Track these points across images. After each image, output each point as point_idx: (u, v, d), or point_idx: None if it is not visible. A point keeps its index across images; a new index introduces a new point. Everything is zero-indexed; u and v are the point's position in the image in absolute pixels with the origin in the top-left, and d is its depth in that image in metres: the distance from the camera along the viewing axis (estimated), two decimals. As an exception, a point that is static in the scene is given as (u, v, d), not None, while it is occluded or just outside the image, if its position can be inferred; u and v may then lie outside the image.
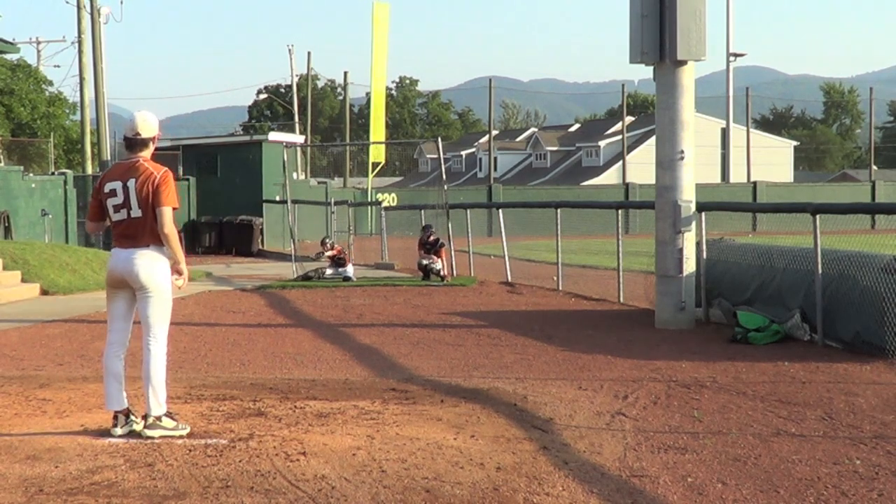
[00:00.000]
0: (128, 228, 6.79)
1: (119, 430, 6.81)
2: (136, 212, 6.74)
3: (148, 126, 6.91)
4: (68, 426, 7.14)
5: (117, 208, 6.79)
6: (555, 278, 17.30)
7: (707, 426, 7.10)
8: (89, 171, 35.13)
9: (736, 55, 55.13)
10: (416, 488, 5.61)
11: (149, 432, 6.73)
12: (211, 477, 5.83)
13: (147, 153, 6.93)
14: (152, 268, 6.78)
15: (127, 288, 6.85)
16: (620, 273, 15.08)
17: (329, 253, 19.74)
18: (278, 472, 5.90)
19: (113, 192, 6.80)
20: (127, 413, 6.90)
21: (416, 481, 5.73)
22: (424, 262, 19.03)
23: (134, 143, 6.90)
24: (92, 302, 15.94)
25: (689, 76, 12.28)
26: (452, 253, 20.39)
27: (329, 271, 19.62)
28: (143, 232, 6.75)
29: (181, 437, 6.73)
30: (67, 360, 10.39)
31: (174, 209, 6.80)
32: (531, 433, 6.89)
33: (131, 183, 6.75)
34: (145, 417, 6.80)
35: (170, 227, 6.75)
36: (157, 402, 6.77)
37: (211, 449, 6.44)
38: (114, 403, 6.88)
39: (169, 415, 6.85)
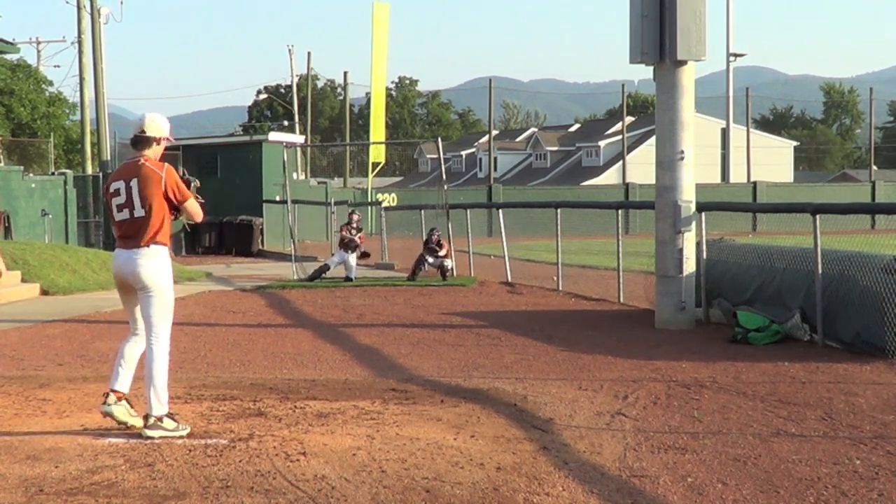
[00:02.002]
0: (129, 228, 6.81)
1: (106, 408, 6.81)
2: (140, 211, 6.75)
3: (155, 126, 6.91)
4: (68, 426, 7.14)
5: (120, 208, 6.80)
6: (555, 278, 17.30)
7: (707, 426, 7.10)
8: (89, 171, 35.10)
9: (736, 55, 55.12)
10: (416, 488, 5.61)
11: (149, 432, 6.72)
12: (211, 477, 5.83)
13: (151, 153, 6.91)
14: (153, 267, 6.79)
15: (133, 287, 6.88)
16: (620, 273, 15.08)
17: (355, 224, 19.77)
18: (278, 472, 5.90)
19: (117, 192, 6.83)
20: (121, 398, 6.89)
21: (416, 481, 5.73)
22: (430, 258, 19.04)
23: (138, 140, 6.90)
24: (92, 302, 15.94)
25: (689, 76, 12.28)
26: (453, 253, 20.40)
27: (336, 259, 19.60)
28: (144, 231, 6.76)
29: (181, 437, 6.73)
30: (67, 360, 10.39)
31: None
32: (531, 433, 6.89)
33: (134, 182, 6.76)
34: (146, 417, 6.80)
35: (200, 214, 7.07)
36: (159, 402, 6.77)
37: (211, 449, 6.44)
38: (114, 382, 6.91)
39: (170, 415, 6.85)
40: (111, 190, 6.86)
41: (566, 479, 5.82)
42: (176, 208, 6.91)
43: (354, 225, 19.90)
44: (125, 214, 6.79)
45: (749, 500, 5.44)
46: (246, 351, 10.95)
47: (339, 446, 6.48)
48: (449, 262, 19.10)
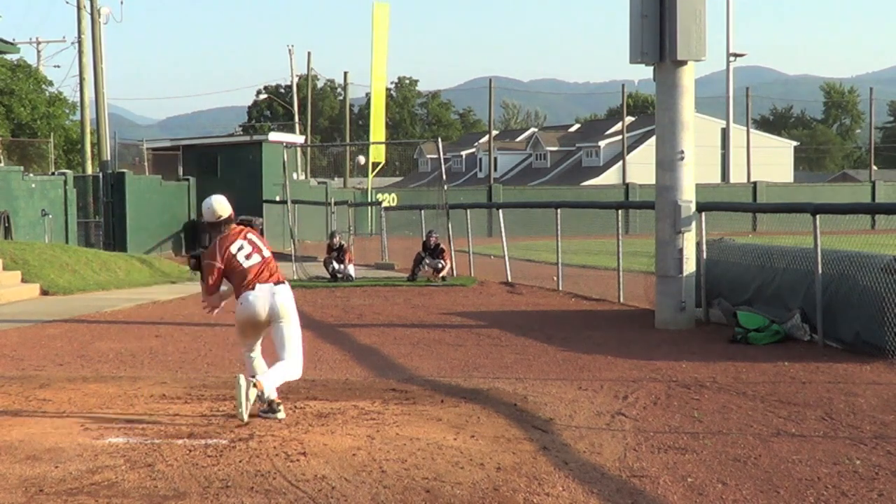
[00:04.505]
0: (267, 267, 7.56)
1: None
2: (267, 253, 7.59)
3: (224, 208, 7.66)
4: (68, 426, 7.15)
5: (249, 255, 7.49)
6: (555, 278, 17.30)
7: (707, 426, 7.10)
8: (89, 171, 34.98)
9: (736, 55, 55.07)
10: (416, 488, 5.61)
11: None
12: (211, 477, 5.83)
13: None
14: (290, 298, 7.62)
15: (265, 321, 7.53)
16: (620, 273, 15.08)
17: (336, 246, 19.75)
18: (278, 473, 5.90)
19: (240, 248, 7.52)
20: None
21: (416, 481, 5.73)
22: (428, 259, 19.11)
23: (226, 222, 7.65)
24: (92, 302, 15.95)
25: (689, 76, 12.28)
26: (453, 253, 20.41)
27: (338, 266, 19.65)
28: (276, 269, 7.68)
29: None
30: (67, 360, 10.40)
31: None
32: (531, 433, 6.89)
33: (252, 236, 7.63)
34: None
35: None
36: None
37: (211, 449, 6.45)
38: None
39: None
40: (234, 249, 7.49)
41: (566, 479, 5.82)
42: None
43: (336, 246, 19.86)
44: (256, 258, 7.49)
45: (749, 500, 5.44)
46: (246, 351, 10.94)
47: (339, 446, 6.48)
48: (443, 264, 19.11)
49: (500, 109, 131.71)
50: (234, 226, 7.65)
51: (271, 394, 7.33)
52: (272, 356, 7.49)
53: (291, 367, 7.43)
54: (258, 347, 7.67)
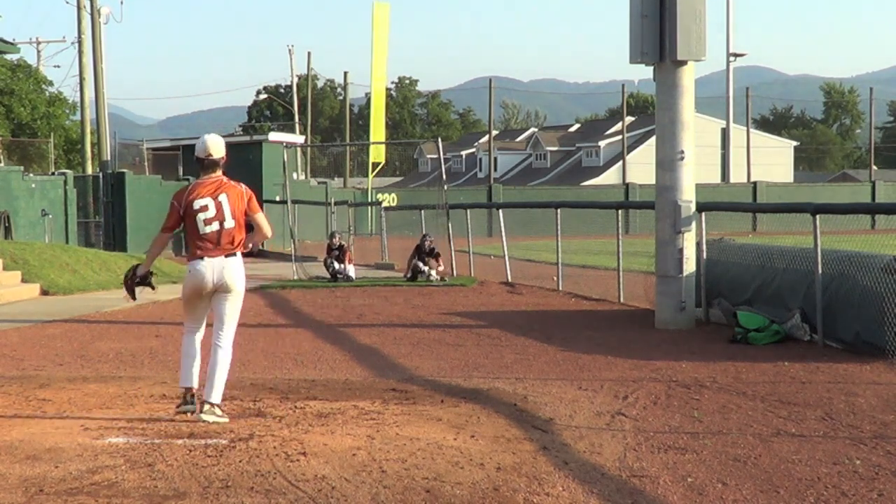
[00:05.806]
0: (223, 237, 7.38)
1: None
2: (230, 222, 7.36)
3: (218, 147, 7.39)
4: (68, 426, 7.15)
5: (209, 221, 7.28)
6: (555, 278, 17.30)
7: (707, 426, 7.10)
8: (89, 171, 34.99)
9: (736, 55, 55.08)
10: (416, 488, 5.61)
11: (205, 417, 7.15)
12: (211, 477, 5.83)
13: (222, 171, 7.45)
14: (241, 271, 7.58)
15: (214, 290, 7.40)
16: (620, 273, 15.08)
17: (336, 246, 19.77)
18: (278, 472, 5.90)
19: (204, 207, 7.28)
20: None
21: (416, 481, 5.73)
22: (420, 264, 19.12)
23: (213, 163, 7.39)
24: (92, 302, 15.94)
25: (689, 76, 12.28)
26: (452, 253, 20.42)
27: (338, 265, 19.69)
28: (236, 240, 7.49)
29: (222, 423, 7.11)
30: (67, 360, 10.40)
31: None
32: (531, 433, 6.89)
33: (223, 198, 7.31)
34: (207, 404, 7.18)
35: (268, 228, 7.79)
36: (220, 392, 7.28)
37: (211, 449, 6.44)
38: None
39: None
40: (196, 206, 7.26)
41: (566, 479, 5.82)
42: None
43: (335, 246, 19.88)
44: (215, 226, 7.27)
45: (749, 500, 5.44)
46: (246, 351, 10.93)
47: (339, 446, 6.48)
48: (435, 273, 19.06)
49: (500, 109, 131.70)
50: (216, 174, 7.37)
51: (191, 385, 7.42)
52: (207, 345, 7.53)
53: (223, 359, 7.39)
54: (202, 331, 7.59)
